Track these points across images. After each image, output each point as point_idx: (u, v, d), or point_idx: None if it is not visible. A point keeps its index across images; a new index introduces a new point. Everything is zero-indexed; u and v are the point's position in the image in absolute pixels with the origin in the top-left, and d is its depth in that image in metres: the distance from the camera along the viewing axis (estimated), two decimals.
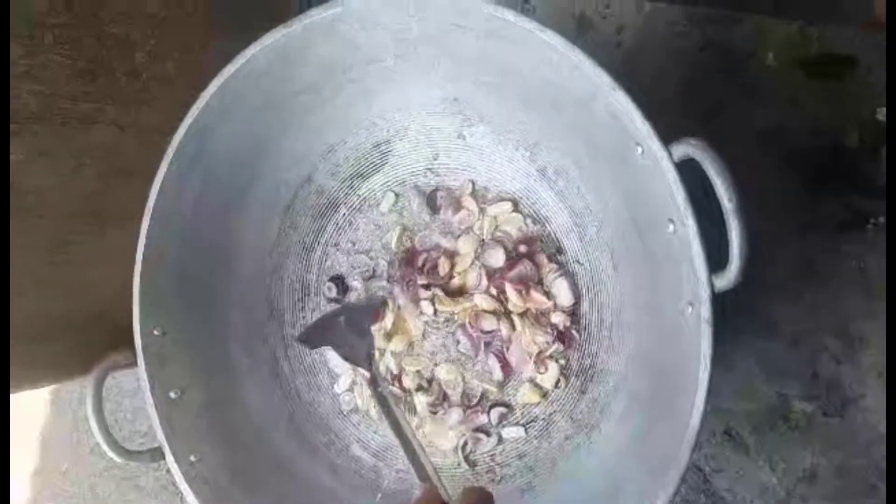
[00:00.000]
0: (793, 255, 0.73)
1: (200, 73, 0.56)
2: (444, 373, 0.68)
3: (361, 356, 0.62)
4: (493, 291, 0.66)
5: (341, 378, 0.71)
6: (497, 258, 0.66)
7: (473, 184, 0.69)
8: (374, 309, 0.68)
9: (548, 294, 0.66)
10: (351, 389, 0.71)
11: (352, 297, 0.71)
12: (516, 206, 0.68)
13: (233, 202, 0.64)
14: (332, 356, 0.71)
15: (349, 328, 0.64)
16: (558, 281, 0.65)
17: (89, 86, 0.61)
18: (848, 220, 0.72)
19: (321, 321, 0.67)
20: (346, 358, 0.63)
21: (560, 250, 0.67)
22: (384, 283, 0.70)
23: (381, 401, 0.60)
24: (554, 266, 0.66)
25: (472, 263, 0.67)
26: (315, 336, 0.64)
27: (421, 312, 0.68)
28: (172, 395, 0.59)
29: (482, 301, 0.66)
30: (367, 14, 0.53)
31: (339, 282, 0.71)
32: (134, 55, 0.65)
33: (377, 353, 0.68)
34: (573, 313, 0.66)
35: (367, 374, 0.62)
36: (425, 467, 0.54)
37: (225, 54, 0.55)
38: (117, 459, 0.57)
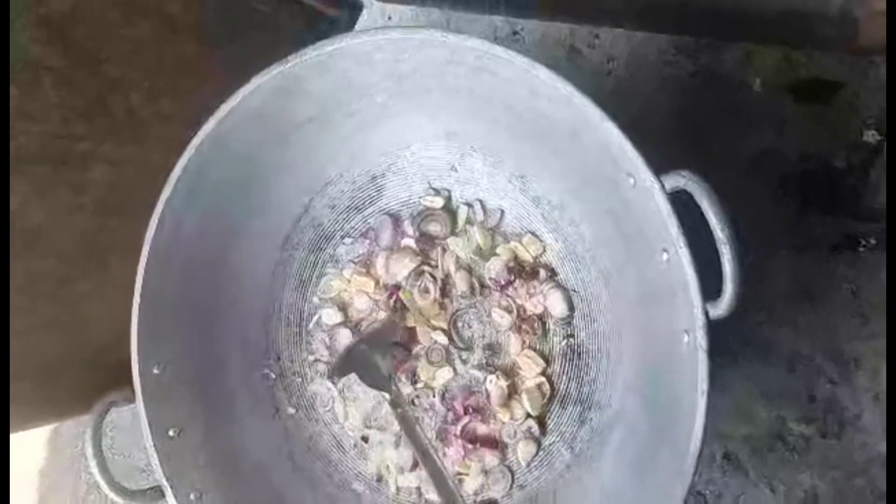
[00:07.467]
0: (786, 278, 0.73)
1: (197, 109, 0.57)
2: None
3: (383, 378, 0.63)
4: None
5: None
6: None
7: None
8: (393, 328, 0.69)
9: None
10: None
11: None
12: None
13: (230, 237, 0.64)
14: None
15: (371, 350, 0.65)
16: (552, 293, 0.66)
17: (86, 126, 0.62)
18: (839, 242, 0.72)
19: (346, 352, 0.68)
20: (369, 384, 0.64)
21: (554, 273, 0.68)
22: None
23: (402, 420, 0.62)
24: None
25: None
26: (342, 366, 0.66)
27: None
28: (171, 433, 0.59)
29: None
30: (361, 51, 0.53)
31: None
32: (130, 94, 0.65)
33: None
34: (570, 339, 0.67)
35: (388, 396, 0.64)
36: (447, 483, 0.57)
37: (221, 91, 0.55)
38: (118, 500, 0.57)
